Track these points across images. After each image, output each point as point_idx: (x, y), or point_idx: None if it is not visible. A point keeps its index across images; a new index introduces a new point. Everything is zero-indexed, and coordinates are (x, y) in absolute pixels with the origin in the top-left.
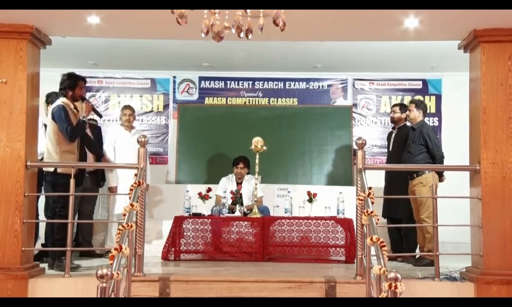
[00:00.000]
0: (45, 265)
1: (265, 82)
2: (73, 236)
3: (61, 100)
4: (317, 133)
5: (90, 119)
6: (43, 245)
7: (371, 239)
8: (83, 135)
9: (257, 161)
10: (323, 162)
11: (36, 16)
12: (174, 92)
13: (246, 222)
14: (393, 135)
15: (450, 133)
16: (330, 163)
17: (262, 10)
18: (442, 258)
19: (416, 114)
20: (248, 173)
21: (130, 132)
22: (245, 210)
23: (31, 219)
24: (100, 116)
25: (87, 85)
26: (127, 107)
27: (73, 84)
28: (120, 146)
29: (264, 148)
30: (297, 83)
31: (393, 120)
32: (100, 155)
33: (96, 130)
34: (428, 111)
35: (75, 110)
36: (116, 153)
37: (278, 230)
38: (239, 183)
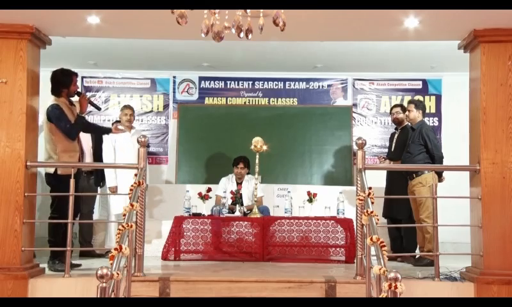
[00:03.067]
0: (45, 265)
1: (265, 82)
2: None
3: (53, 99)
4: (317, 133)
5: None
6: None
7: (371, 239)
8: (88, 125)
9: (257, 161)
10: (323, 162)
11: (36, 16)
12: (174, 92)
13: (246, 222)
14: (396, 135)
15: (450, 133)
16: (330, 163)
17: (262, 10)
18: (442, 258)
19: (415, 114)
20: (248, 173)
21: (130, 131)
22: (245, 210)
23: (31, 219)
24: (99, 108)
25: (87, 85)
26: (127, 106)
27: (68, 80)
28: (119, 146)
29: (264, 147)
30: (297, 83)
31: (397, 121)
32: (108, 131)
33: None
34: (428, 111)
35: (71, 107)
36: (116, 153)
37: (278, 230)
38: (239, 183)
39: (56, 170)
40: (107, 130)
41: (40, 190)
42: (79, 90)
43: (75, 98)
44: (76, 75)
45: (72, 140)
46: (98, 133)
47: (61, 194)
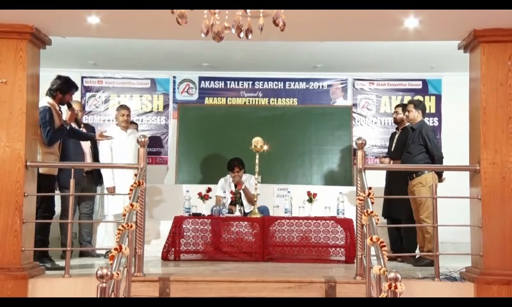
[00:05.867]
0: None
1: (265, 82)
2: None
3: (46, 101)
4: (317, 133)
5: None
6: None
7: (371, 239)
8: (72, 132)
9: (257, 161)
10: (323, 162)
11: (36, 16)
12: (174, 92)
13: (245, 222)
14: (397, 136)
15: (450, 133)
16: (330, 163)
17: (262, 10)
18: (442, 258)
19: (415, 115)
20: (244, 172)
21: (126, 131)
22: (245, 210)
23: (31, 219)
24: (80, 125)
25: (87, 85)
26: (124, 107)
27: (67, 89)
28: (116, 146)
29: (265, 147)
30: (297, 83)
31: (396, 121)
32: (92, 137)
33: (92, 130)
34: (428, 111)
35: (59, 112)
36: (113, 153)
37: (277, 230)
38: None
39: (37, 169)
40: (91, 137)
41: None
42: (71, 102)
43: (64, 107)
44: (76, 89)
45: (48, 146)
46: (82, 140)
47: (63, 193)
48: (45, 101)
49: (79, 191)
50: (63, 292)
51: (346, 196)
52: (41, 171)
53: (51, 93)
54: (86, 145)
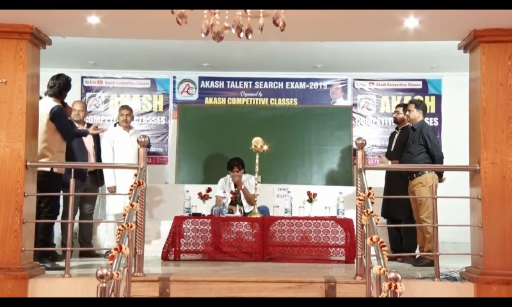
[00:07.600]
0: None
1: (265, 82)
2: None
3: (55, 103)
4: (317, 133)
5: None
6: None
7: (371, 239)
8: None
9: (257, 161)
10: (323, 162)
11: (36, 16)
12: (174, 92)
13: (245, 222)
14: (396, 135)
15: (450, 133)
16: (330, 163)
17: (262, 10)
18: (442, 258)
19: (416, 115)
20: (244, 172)
21: (128, 132)
22: (245, 210)
23: (31, 219)
24: (83, 123)
25: (87, 85)
26: (125, 107)
27: (69, 87)
28: (118, 146)
29: (265, 147)
30: (297, 83)
31: (396, 121)
32: (86, 132)
33: None
34: (428, 111)
35: None
36: (114, 153)
37: (278, 230)
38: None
39: (51, 169)
40: (85, 132)
41: None
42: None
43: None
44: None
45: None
46: (77, 136)
47: (64, 193)
48: (53, 102)
49: (82, 191)
50: (63, 292)
51: (346, 196)
52: (48, 169)
53: (58, 93)
54: (89, 145)
